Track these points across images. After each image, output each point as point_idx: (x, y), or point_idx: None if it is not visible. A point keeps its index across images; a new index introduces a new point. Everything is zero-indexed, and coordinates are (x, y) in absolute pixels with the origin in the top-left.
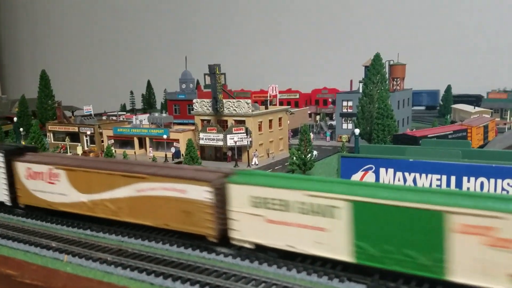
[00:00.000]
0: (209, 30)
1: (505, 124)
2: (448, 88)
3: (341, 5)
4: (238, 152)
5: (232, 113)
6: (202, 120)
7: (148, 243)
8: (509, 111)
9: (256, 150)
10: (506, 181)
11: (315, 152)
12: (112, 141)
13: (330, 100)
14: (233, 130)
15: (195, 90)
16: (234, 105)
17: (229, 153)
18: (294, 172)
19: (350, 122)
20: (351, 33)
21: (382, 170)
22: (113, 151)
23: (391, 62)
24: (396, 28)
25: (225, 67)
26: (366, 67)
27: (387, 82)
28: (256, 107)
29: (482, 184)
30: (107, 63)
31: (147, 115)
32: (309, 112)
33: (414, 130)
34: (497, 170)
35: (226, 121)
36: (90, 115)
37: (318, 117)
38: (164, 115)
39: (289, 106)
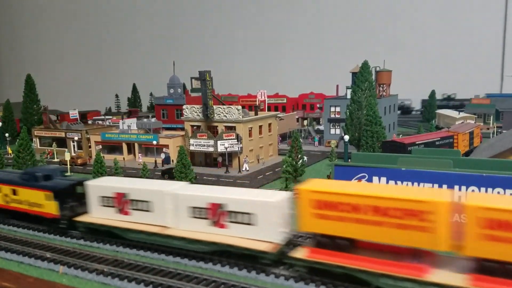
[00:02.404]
0: (195, 34)
1: (488, 129)
2: (432, 94)
3: (327, 11)
4: (229, 158)
5: (222, 119)
6: (192, 126)
7: (143, 253)
8: (492, 116)
9: (246, 156)
10: (496, 190)
11: (305, 158)
12: (100, 146)
13: (318, 105)
14: (224, 136)
15: (183, 94)
16: (224, 111)
17: (220, 159)
18: (287, 180)
19: (338, 127)
20: (337, 38)
21: (375, 179)
22: (102, 157)
23: (378, 69)
24: (382, 35)
25: (212, 71)
26: (353, 73)
27: (374, 89)
28: (246, 113)
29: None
30: (91, 67)
31: (134, 119)
32: (296, 117)
33: (401, 136)
34: (487, 179)
35: (217, 127)
36: (76, 119)
37: (305, 122)
38: (152, 120)
39: (278, 112)
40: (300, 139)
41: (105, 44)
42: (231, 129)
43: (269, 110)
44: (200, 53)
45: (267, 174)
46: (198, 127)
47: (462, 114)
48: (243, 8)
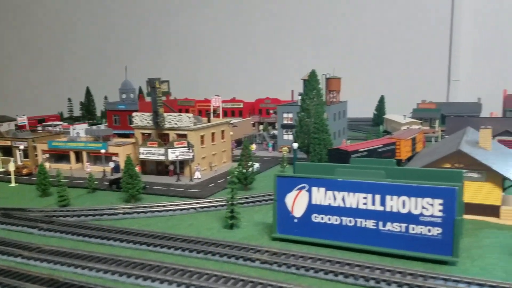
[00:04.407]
0: (153, 37)
1: (433, 132)
2: (381, 99)
3: (284, 17)
4: (181, 166)
5: (173, 127)
6: (143, 134)
7: (81, 271)
8: (437, 121)
9: (198, 164)
10: (426, 199)
11: (256, 165)
12: (47, 155)
13: (272, 111)
14: (175, 144)
15: (136, 100)
16: (175, 119)
17: (171, 168)
18: (232, 190)
19: (291, 133)
20: (293, 45)
21: (314, 189)
22: (48, 166)
23: (327, 76)
24: (333, 42)
25: (170, 75)
26: (304, 81)
27: (322, 97)
28: (199, 120)
29: (404, 202)
30: (42, 69)
31: (85, 125)
32: (252, 122)
33: (349, 142)
34: (417, 190)
35: (168, 134)
36: (25, 126)
37: (261, 127)
38: (102, 126)
39: (233, 117)
40: (255, 145)
41: (56, 45)
42: (182, 136)
43: (226, 115)
44: (157, 56)
45: (218, 182)
46: (149, 134)
47: (408, 119)
48: (200, 12)
